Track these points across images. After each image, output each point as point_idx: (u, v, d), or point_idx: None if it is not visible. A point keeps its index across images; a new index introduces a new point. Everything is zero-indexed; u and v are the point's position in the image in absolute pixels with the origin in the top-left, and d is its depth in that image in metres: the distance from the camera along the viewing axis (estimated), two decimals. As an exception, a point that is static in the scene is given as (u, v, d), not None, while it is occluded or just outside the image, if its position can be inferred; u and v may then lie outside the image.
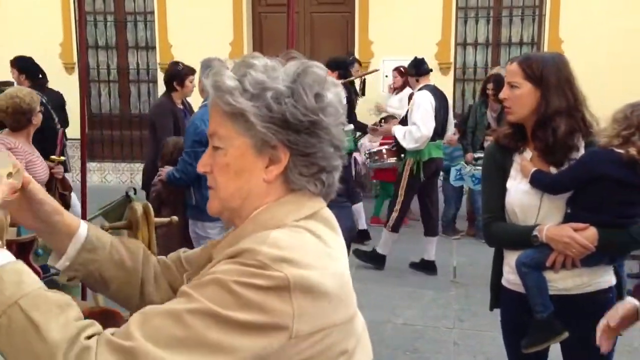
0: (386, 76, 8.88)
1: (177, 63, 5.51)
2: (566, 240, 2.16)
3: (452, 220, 6.88)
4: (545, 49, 8.37)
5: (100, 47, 9.81)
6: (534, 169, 2.23)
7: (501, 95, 2.29)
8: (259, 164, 1.12)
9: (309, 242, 1.08)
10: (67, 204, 3.93)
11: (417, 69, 5.73)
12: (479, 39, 9.08)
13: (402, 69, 7.62)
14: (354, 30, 9.28)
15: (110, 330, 0.99)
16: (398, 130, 5.53)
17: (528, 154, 2.30)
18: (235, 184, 1.13)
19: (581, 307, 2.24)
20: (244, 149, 1.11)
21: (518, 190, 2.26)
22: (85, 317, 1.53)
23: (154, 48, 9.77)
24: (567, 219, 2.23)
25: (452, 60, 9.00)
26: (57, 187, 4.16)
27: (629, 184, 2.18)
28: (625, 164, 2.16)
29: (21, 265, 1.03)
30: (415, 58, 5.83)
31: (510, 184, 2.29)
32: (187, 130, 4.06)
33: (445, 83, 8.04)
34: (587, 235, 2.16)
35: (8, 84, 5.65)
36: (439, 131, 5.55)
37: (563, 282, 2.25)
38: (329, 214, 1.17)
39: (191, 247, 2.47)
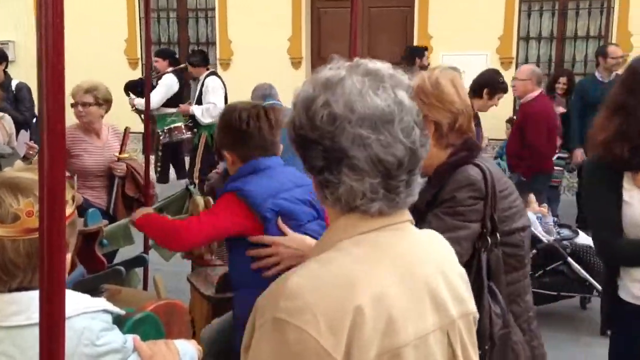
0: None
1: None
2: None
3: None
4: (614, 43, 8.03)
5: (162, 43, 10.05)
6: None
7: None
8: None
9: None
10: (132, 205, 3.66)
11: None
12: (542, 32, 8.81)
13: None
14: (412, 25, 9.16)
15: None
16: (196, 109, 6.75)
17: None
18: None
19: None
20: None
21: None
22: (149, 313, 1.58)
23: (214, 44, 9.93)
24: None
25: (514, 54, 8.76)
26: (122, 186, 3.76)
27: None
28: None
29: None
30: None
31: (629, 196, 2.16)
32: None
33: (507, 77, 7.82)
34: None
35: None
36: None
37: None
38: None
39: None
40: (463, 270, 1.21)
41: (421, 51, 7.24)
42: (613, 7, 8.39)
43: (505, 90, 4.99)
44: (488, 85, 4.54)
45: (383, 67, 1.10)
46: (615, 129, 2.12)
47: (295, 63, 9.47)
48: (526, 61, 8.81)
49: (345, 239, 1.08)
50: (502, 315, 1.74)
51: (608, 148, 2.14)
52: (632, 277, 2.21)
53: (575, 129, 6.32)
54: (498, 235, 1.83)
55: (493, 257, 1.80)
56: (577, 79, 7.11)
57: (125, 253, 3.27)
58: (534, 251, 4.39)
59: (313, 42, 9.63)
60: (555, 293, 4.53)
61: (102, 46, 9.78)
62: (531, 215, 4.61)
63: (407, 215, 1.14)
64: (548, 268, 4.44)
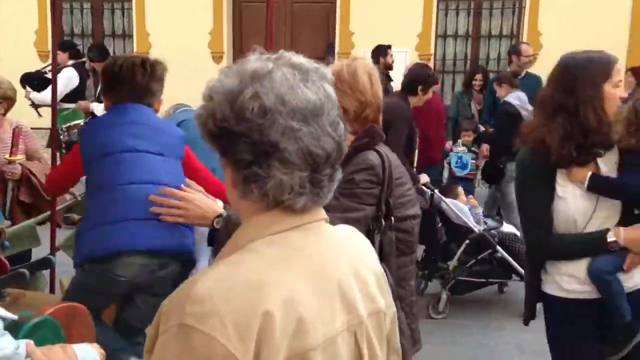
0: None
1: None
2: None
3: None
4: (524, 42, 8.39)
5: (76, 34, 9.65)
6: (589, 173, 2.18)
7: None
8: None
9: None
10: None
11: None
12: (459, 31, 9.08)
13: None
14: (335, 21, 9.23)
15: None
16: (96, 106, 6.26)
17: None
18: None
19: (636, 302, 2.26)
20: None
21: (576, 197, 2.19)
22: (47, 317, 1.50)
23: (131, 36, 9.63)
24: (636, 219, 2.23)
25: (432, 51, 8.99)
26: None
27: None
28: None
29: None
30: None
31: (562, 192, 2.20)
32: None
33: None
34: None
35: None
36: None
37: (631, 280, 2.25)
38: None
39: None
40: (379, 267, 1.21)
41: (384, 50, 7.27)
42: (524, 8, 8.76)
43: (436, 82, 5.10)
44: (420, 81, 4.63)
45: (305, 60, 1.08)
46: (561, 130, 2.15)
47: (217, 57, 9.33)
48: (444, 58, 9.07)
49: (257, 239, 1.05)
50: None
51: (554, 147, 2.15)
52: (560, 270, 2.26)
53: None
54: (392, 219, 1.88)
55: (386, 239, 1.87)
56: (492, 75, 7.37)
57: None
58: (467, 241, 4.57)
59: (235, 37, 9.52)
60: (484, 280, 4.73)
61: (10, 38, 9.28)
62: (462, 206, 4.76)
63: (322, 213, 1.13)
64: (479, 257, 4.61)
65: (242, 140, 1.02)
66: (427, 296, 4.82)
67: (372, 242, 1.82)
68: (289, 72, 1.04)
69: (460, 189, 5.30)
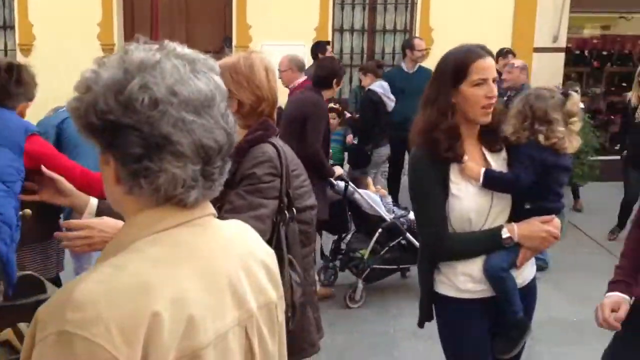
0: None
1: None
2: (543, 235, 2.19)
3: None
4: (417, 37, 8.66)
5: (-51, 25, 8.91)
6: (483, 169, 2.16)
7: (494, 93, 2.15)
8: None
9: None
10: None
11: None
12: (355, 25, 9.23)
13: None
14: (231, 14, 9.09)
15: None
16: None
17: (465, 157, 2.19)
18: None
19: (524, 298, 2.29)
20: None
21: (469, 194, 2.16)
22: None
23: (12, 28, 9.01)
24: (526, 214, 2.22)
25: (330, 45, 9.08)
26: None
27: (565, 168, 2.29)
28: (553, 150, 2.24)
29: None
30: None
31: (456, 189, 2.16)
32: None
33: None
34: (556, 226, 2.23)
35: None
36: None
37: (521, 276, 2.27)
38: None
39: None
40: (270, 259, 1.20)
41: (323, 46, 7.37)
42: (416, 4, 9.03)
43: (344, 72, 5.28)
44: (334, 75, 4.70)
45: (189, 51, 1.06)
46: (427, 122, 2.15)
47: (107, 50, 8.93)
48: (341, 52, 9.19)
49: (142, 238, 1.00)
50: (301, 284, 1.84)
51: (428, 141, 2.15)
52: (455, 270, 2.22)
53: None
54: (294, 210, 1.90)
55: (290, 230, 1.88)
56: (387, 69, 7.55)
57: None
58: (380, 230, 4.70)
59: (126, 28, 9.14)
60: (395, 267, 4.91)
61: None
62: (375, 196, 4.88)
63: (210, 208, 1.10)
64: (391, 244, 4.76)
65: (131, 133, 0.97)
66: (340, 287, 4.93)
67: (278, 235, 1.82)
68: (179, 63, 1.01)
69: (369, 180, 5.51)
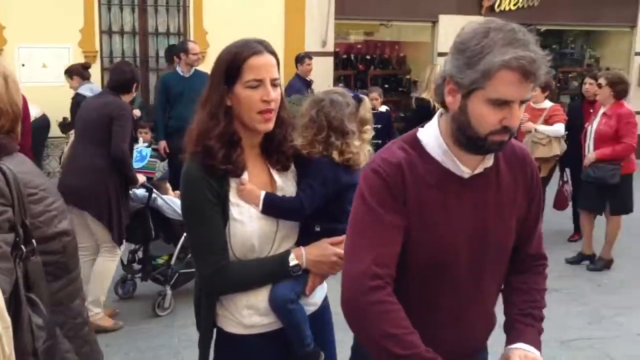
0: (23, 65, 8.00)
1: None
2: (334, 259, 1.95)
3: None
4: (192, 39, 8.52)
5: None
6: (263, 193, 1.90)
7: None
8: None
9: None
10: None
11: None
12: (125, 27, 8.77)
13: None
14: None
15: None
16: None
17: (245, 174, 1.91)
18: None
19: (316, 321, 2.08)
20: None
21: (252, 217, 1.89)
22: None
23: None
24: (316, 236, 2.00)
25: (97, 48, 8.52)
26: None
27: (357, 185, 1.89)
28: (346, 167, 2.04)
29: None
30: None
31: (237, 212, 1.88)
32: None
33: (94, 72, 7.51)
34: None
35: None
36: None
37: (312, 301, 2.06)
38: None
39: None
40: None
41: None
42: (188, 7, 8.87)
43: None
44: (133, 80, 4.55)
45: None
46: (200, 127, 1.88)
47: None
48: (111, 55, 8.66)
49: None
50: (44, 327, 1.54)
51: (202, 150, 1.86)
52: (238, 303, 1.96)
53: (159, 122, 6.56)
54: (34, 242, 1.59)
55: (31, 266, 1.55)
56: (162, 74, 7.29)
57: None
58: (185, 234, 4.52)
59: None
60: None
61: None
62: (177, 200, 4.79)
63: None
64: None
65: None
66: (143, 298, 4.80)
67: (15, 272, 1.50)
68: None
69: (168, 185, 5.39)
